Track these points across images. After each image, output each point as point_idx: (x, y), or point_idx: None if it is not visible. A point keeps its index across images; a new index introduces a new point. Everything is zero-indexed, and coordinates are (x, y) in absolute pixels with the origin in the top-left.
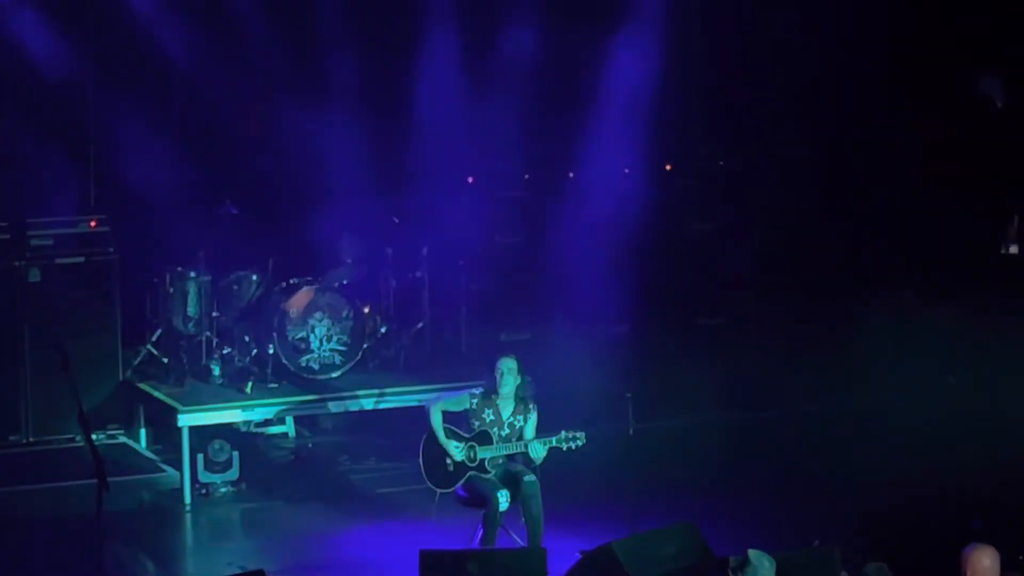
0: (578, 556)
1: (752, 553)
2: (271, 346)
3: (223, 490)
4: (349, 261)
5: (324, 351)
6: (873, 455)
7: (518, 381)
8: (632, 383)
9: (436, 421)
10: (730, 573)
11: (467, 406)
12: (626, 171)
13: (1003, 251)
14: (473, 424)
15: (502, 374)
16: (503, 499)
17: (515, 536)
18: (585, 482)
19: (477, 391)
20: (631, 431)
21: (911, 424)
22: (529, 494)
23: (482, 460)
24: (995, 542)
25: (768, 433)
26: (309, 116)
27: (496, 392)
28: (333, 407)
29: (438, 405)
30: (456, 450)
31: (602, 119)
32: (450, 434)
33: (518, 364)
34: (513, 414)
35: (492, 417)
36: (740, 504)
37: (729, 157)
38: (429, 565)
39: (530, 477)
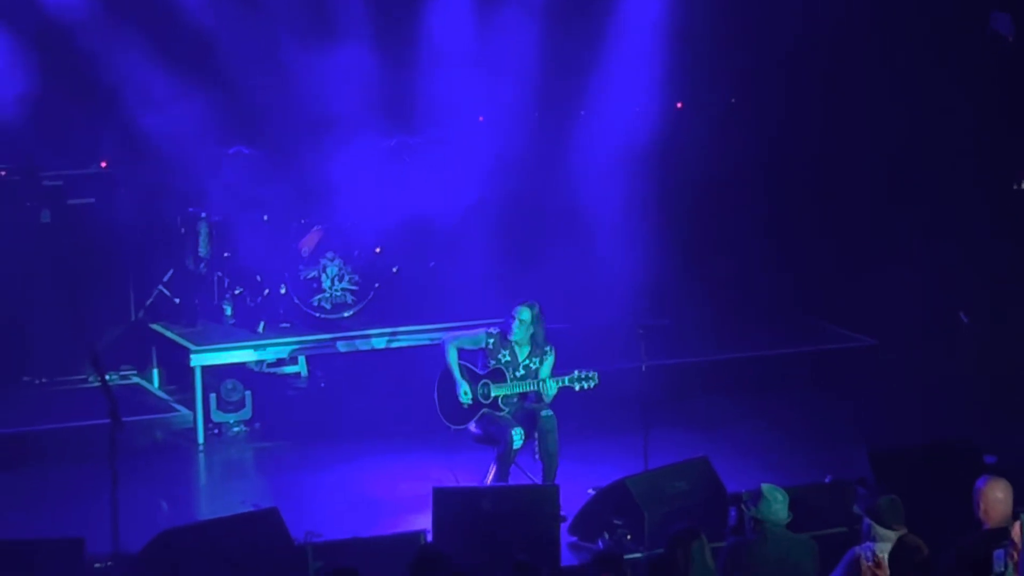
0: (590, 494)
1: (765, 487)
2: (283, 286)
3: (236, 429)
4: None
5: (336, 291)
6: (886, 392)
7: (531, 330)
8: (644, 320)
9: (452, 358)
10: (743, 507)
11: (483, 345)
12: (637, 109)
13: (1016, 187)
14: (488, 362)
15: (519, 324)
16: (518, 437)
17: (528, 473)
18: (598, 419)
19: (494, 330)
20: (644, 367)
21: (926, 361)
22: (546, 429)
23: (496, 398)
24: (1009, 476)
25: (781, 370)
26: (318, 53)
27: (511, 337)
28: (345, 347)
29: (454, 342)
30: (466, 396)
31: (614, 57)
32: (465, 372)
33: (533, 314)
34: (529, 356)
35: (508, 358)
36: (753, 440)
37: (740, 94)
38: (442, 502)
39: (547, 412)
